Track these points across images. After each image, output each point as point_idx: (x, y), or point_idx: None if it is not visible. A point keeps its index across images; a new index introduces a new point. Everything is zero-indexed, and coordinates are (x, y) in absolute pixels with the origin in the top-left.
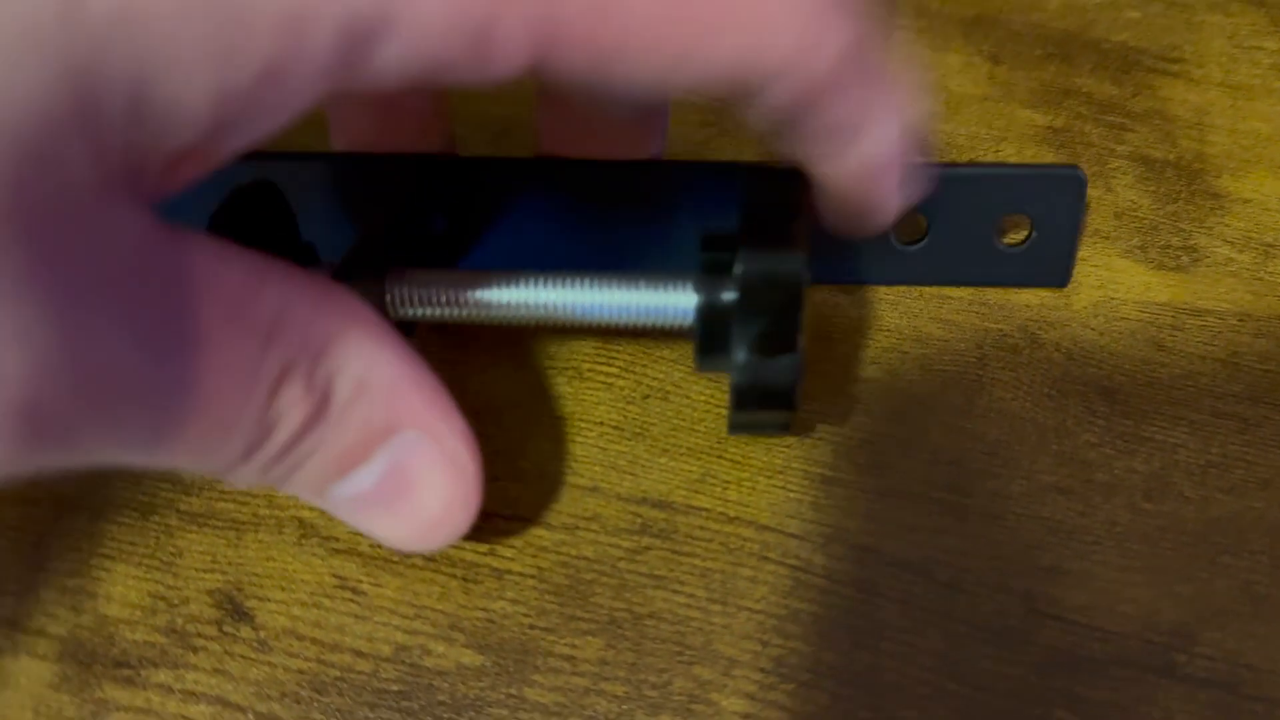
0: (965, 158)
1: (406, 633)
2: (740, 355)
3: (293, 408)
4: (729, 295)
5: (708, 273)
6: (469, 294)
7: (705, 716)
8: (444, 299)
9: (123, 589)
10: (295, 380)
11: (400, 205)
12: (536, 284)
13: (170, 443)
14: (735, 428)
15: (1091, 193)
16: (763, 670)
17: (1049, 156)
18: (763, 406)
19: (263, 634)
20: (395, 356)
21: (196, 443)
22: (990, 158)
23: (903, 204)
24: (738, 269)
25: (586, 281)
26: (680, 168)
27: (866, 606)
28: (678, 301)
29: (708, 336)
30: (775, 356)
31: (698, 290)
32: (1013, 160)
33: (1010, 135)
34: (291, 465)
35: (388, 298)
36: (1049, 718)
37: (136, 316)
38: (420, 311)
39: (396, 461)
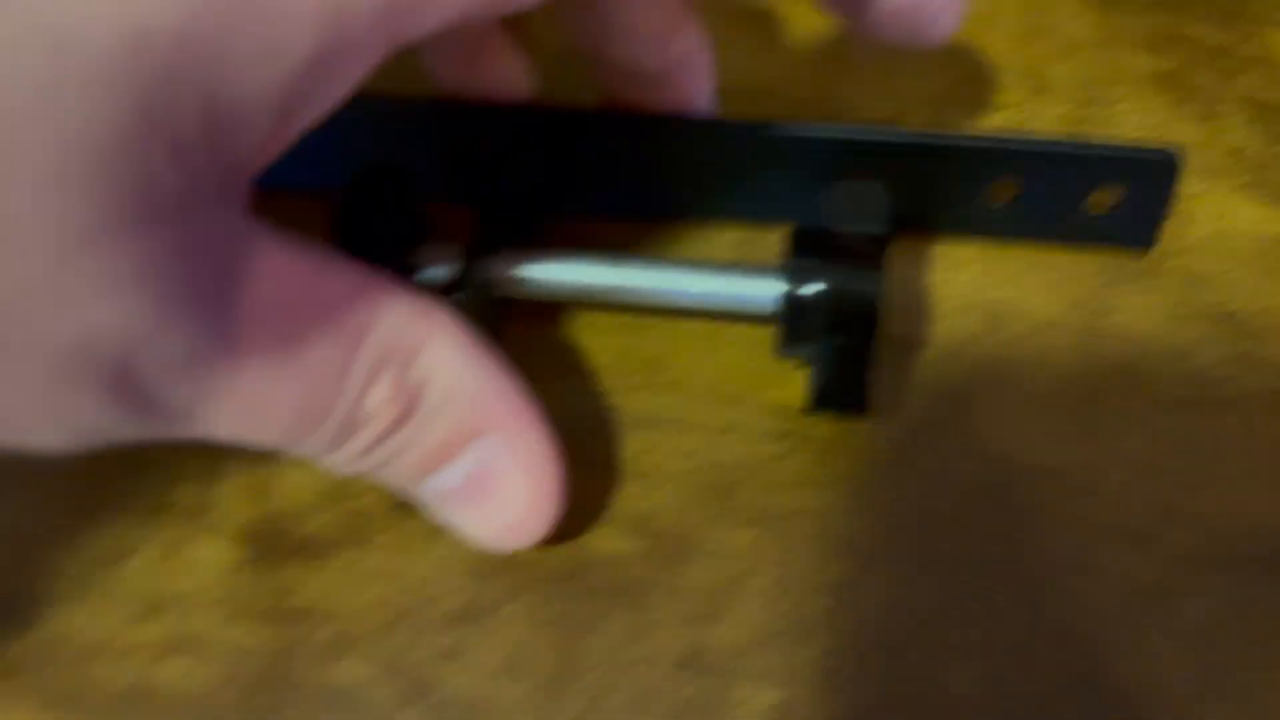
0: (1077, 99)
1: (569, 522)
2: (818, 362)
3: (381, 410)
4: (811, 300)
5: (794, 272)
6: (563, 278)
7: (853, 601)
8: (541, 283)
9: (297, 482)
10: (384, 384)
11: (490, 153)
12: (627, 267)
13: (258, 431)
14: (812, 413)
15: (1201, 134)
16: (905, 563)
17: (1159, 99)
18: (838, 407)
19: (434, 522)
20: (483, 365)
21: (283, 433)
22: (1101, 100)
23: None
24: (822, 284)
25: (676, 268)
26: (771, 130)
27: (1002, 507)
28: (763, 294)
29: (790, 331)
30: (851, 368)
31: (784, 284)
32: (1123, 102)
33: (1121, 79)
34: (379, 461)
35: (477, 280)
36: (1179, 610)
37: (225, 312)
38: (515, 290)
39: (481, 462)
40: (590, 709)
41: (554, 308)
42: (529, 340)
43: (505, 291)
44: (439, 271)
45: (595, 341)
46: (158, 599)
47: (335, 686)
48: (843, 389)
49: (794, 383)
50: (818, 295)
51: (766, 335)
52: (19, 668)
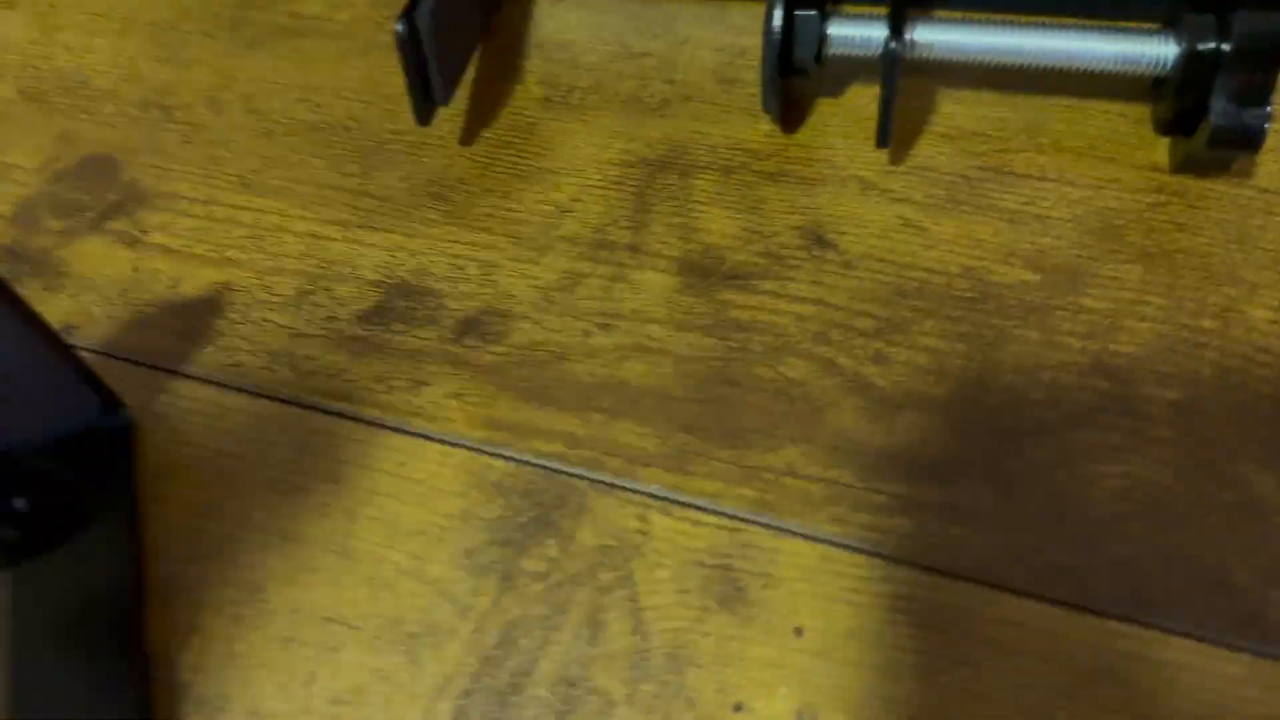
0: None
1: (969, 258)
2: (1219, 102)
3: None
4: (1215, 47)
5: (1193, 25)
6: (972, 41)
7: (1237, 321)
8: (953, 46)
9: (720, 225)
10: None
11: None
12: (1033, 31)
13: None
14: (1185, 166)
15: None
16: None
17: None
18: (1231, 148)
19: (846, 257)
20: None
21: None
22: None
23: None
24: (1232, 22)
25: (1062, 30)
26: None
27: None
28: (1157, 50)
29: (1185, 84)
30: (1251, 106)
31: (1180, 41)
32: None
33: None
34: None
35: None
36: None
37: None
38: (929, 53)
39: None
40: (1011, 402)
41: (932, 86)
42: (918, 111)
43: (919, 55)
44: (858, 40)
45: (975, 113)
46: (612, 314)
47: (782, 378)
48: (1242, 133)
49: (1159, 147)
50: (1223, 39)
51: (1127, 109)
52: (499, 369)
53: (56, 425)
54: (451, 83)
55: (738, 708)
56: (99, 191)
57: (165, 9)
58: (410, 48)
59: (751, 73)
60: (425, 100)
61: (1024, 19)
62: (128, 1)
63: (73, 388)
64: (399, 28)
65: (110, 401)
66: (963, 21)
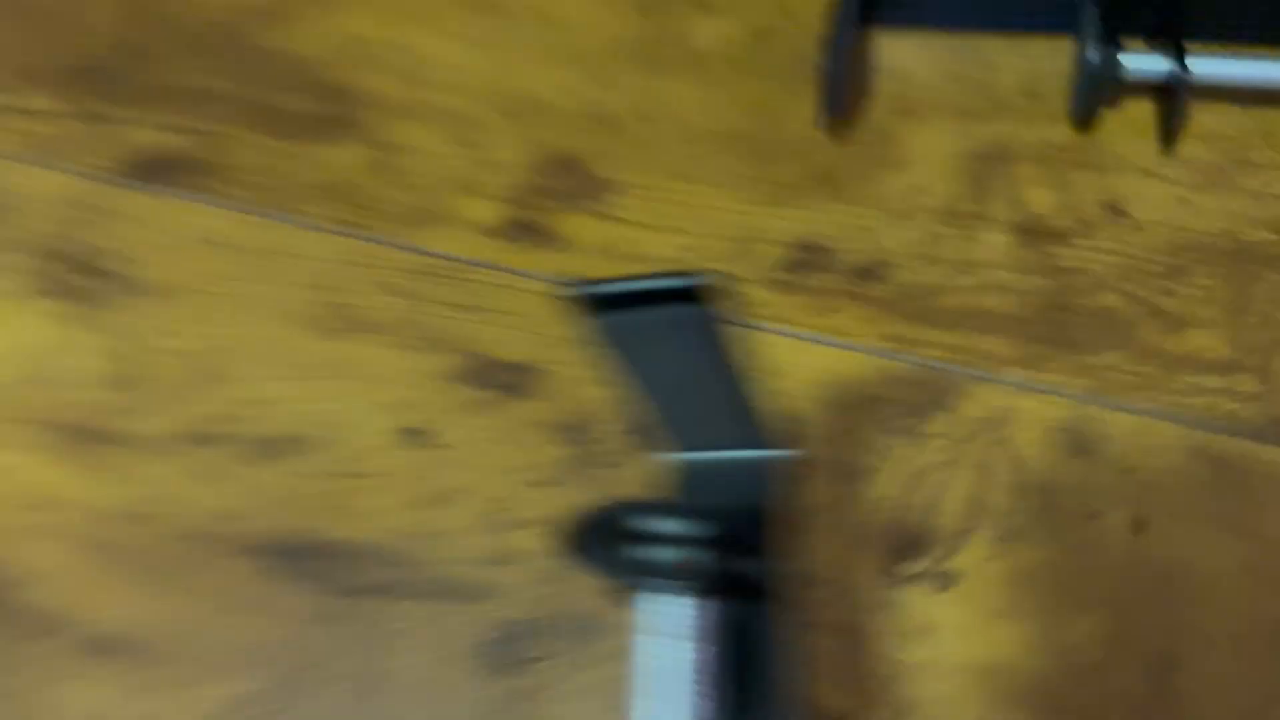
0: None
1: (1226, 224)
2: None
3: None
4: None
5: None
6: (1203, 69)
7: None
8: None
9: (1040, 199)
10: None
11: None
12: (1251, 62)
13: None
14: None
15: None
16: None
17: None
18: None
19: (1137, 222)
20: None
21: None
22: None
23: None
24: None
25: None
26: None
27: None
28: None
29: None
30: None
31: None
32: None
33: None
34: None
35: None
36: None
37: None
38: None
39: None
40: (1265, 321)
41: (1175, 101)
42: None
43: (1192, 80)
44: (1144, 70)
45: (1219, 119)
46: (967, 263)
47: (1098, 306)
48: None
49: None
50: None
51: None
52: (888, 301)
53: (735, 453)
54: (847, 98)
55: (1093, 515)
56: (569, 181)
57: (589, 43)
58: (831, 72)
59: (1050, 88)
60: (832, 112)
61: (1269, 50)
62: (560, 37)
63: (748, 420)
64: (827, 62)
65: (775, 436)
66: (1223, 54)
